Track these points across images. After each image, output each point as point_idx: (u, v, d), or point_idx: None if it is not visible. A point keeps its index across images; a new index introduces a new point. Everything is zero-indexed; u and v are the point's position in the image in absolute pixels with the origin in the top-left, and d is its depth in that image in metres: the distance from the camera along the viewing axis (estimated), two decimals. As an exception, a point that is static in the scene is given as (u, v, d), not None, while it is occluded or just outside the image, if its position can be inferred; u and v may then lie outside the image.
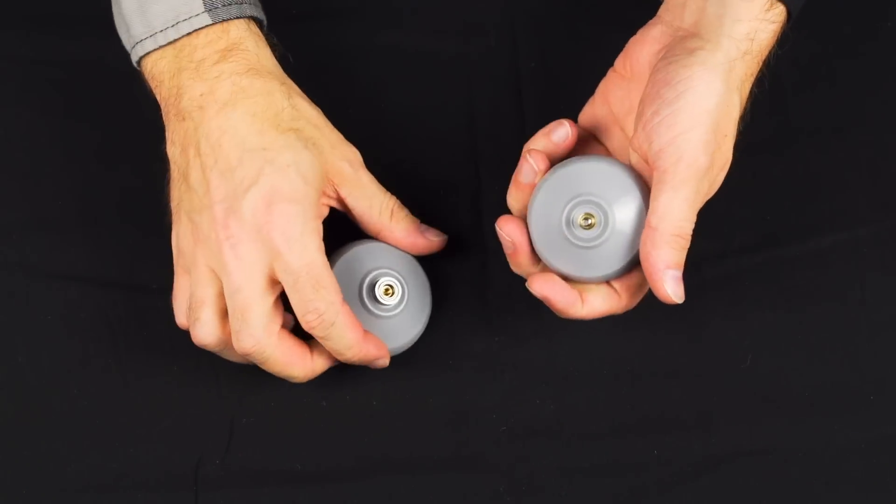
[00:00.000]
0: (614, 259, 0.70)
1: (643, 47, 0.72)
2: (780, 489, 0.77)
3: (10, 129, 0.84)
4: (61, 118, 0.84)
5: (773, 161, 0.83)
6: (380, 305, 0.76)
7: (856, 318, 0.80)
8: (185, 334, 0.80)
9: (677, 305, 0.80)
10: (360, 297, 0.76)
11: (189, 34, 0.71)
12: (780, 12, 0.69)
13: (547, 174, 0.71)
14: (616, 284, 0.71)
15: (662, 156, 0.67)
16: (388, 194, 0.76)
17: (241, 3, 0.72)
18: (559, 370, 0.79)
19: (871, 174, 0.83)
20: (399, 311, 0.77)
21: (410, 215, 0.77)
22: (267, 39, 0.74)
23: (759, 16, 0.68)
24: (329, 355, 0.74)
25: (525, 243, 0.72)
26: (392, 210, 0.76)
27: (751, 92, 0.71)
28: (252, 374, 0.79)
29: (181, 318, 0.74)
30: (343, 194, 0.74)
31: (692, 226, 0.68)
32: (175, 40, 0.72)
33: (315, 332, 0.71)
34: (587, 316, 0.71)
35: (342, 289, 0.76)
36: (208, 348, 0.72)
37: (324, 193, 0.73)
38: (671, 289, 0.68)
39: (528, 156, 0.71)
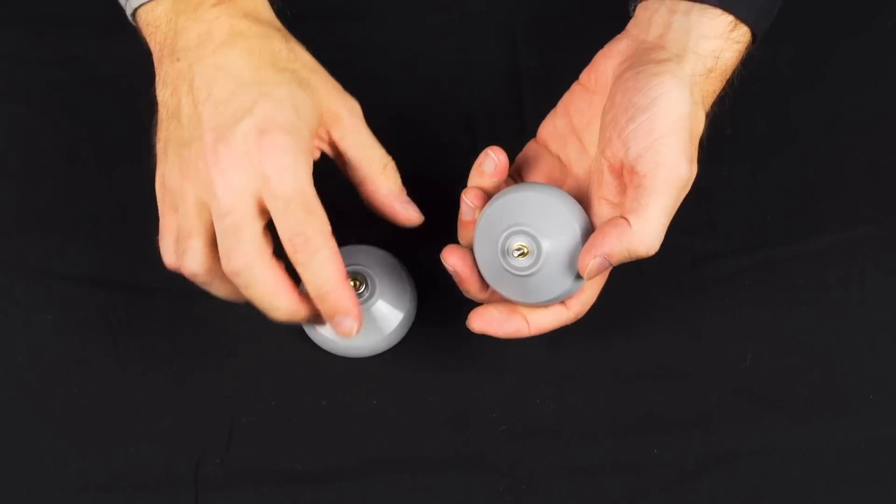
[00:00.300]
0: (554, 285, 0.70)
1: (608, 60, 0.72)
2: (780, 489, 0.77)
3: (10, 129, 0.84)
4: (61, 118, 0.84)
5: (773, 161, 0.83)
6: None
7: (856, 318, 0.80)
8: (185, 334, 0.80)
9: (677, 305, 0.81)
10: None
11: None
12: (744, 33, 0.69)
13: (486, 204, 0.71)
14: (568, 299, 0.72)
15: (641, 161, 0.67)
16: (385, 152, 0.74)
17: None
18: (559, 370, 0.80)
19: (871, 174, 0.83)
20: (371, 304, 0.79)
21: (400, 181, 0.75)
22: None
23: (724, 34, 0.69)
24: (312, 307, 0.72)
25: (469, 273, 0.73)
26: (385, 165, 0.74)
27: (711, 109, 0.71)
28: (252, 374, 0.79)
29: (169, 258, 0.72)
30: (336, 137, 0.72)
31: (660, 242, 0.68)
32: None
33: (297, 257, 0.68)
34: (536, 333, 0.72)
35: None
36: (197, 279, 0.71)
37: (316, 135, 0.71)
38: (591, 266, 0.68)
39: (464, 197, 0.72)
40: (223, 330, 0.80)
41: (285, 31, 0.73)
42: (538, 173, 0.75)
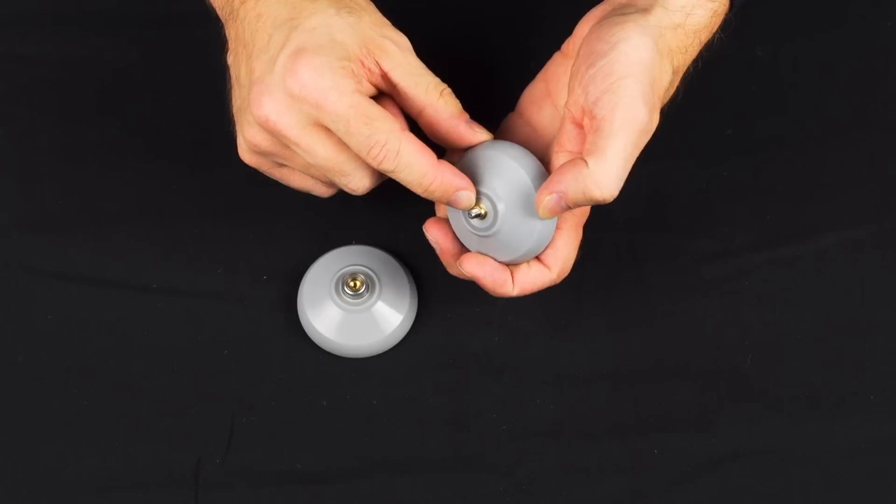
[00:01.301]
0: (522, 238, 0.69)
1: (585, 24, 0.72)
2: (780, 489, 0.77)
3: (10, 129, 0.84)
4: (61, 118, 0.84)
5: (773, 161, 0.83)
6: (350, 298, 0.79)
7: (856, 318, 0.80)
8: (185, 334, 0.80)
9: (677, 305, 0.80)
10: (333, 293, 0.79)
11: None
12: None
13: (464, 155, 0.71)
14: (545, 258, 0.71)
15: (599, 104, 0.66)
16: (439, 80, 0.70)
17: None
18: (559, 370, 0.79)
19: (871, 174, 0.83)
20: (372, 304, 0.79)
21: (460, 105, 0.71)
22: None
23: None
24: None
25: (449, 244, 0.72)
26: (441, 90, 0.70)
27: (686, 72, 0.71)
28: (252, 374, 0.79)
29: (361, 186, 0.70)
30: (386, 68, 0.69)
31: (619, 189, 0.66)
32: None
33: (385, 167, 0.67)
34: (520, 294, 0.71)
35: (316, 288, 0.79)
36: (374, 185, 0.70)
37: (362, 64, 0.68)
38: (546, 203, 0.67)
39: None
40: (223, 330, 0.80)
41: None
42: (517, 142, 0.74)
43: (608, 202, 0.66)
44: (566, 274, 0.72)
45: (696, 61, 0.71)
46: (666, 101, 0.70)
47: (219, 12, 0.72)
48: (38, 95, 0.84)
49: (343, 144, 0.67)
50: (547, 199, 0.67)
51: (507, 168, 0.69)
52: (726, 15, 0.70)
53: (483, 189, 0.69)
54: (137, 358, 0.79)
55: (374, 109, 0.66)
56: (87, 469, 0.77)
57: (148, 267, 0.81)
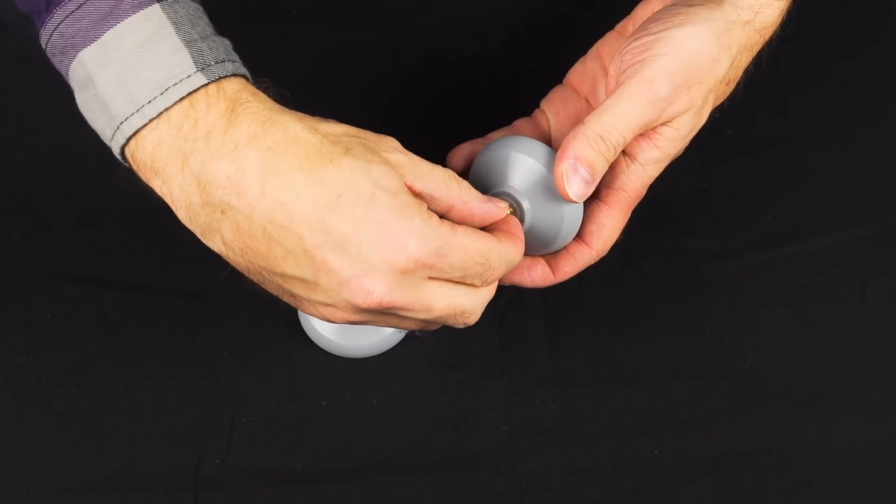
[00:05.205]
0: (553, 232, 0.69)
1: (647, 8, 0.72)
2: (780, 489, 0.77)
3: (10, 129, 0.84)
4: (61, 118, 0.84)
5: (773, 161, 0.83)
6: None
7: (856, 318, 0.80)
8: (185, 334, 0.80)
9: (677, 305, 0.80)
10: None
11: (183, 102, 0.60)
12: None
13: (474, 160, 0.70)
14: (587, 237, 0.70)
15: (627, 71, 0.67)
16: (439, 166, 0.65)
17: (234, 61, 0.61)
18: (559, 370, 0.80)
19: (871, 174, 0.83)
20: None
21: (473, 189, 0.65)
22: (258, 86, 0.62)
23: None
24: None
25: None
26: (452, 177, 0.64)
27: (747, 69, 0.71)
28: (252, 374, 0.79)
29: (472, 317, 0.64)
30: (409, 182, 0.62)
31: (621, 139, 0.66)
32: (167, 109, 0.60)
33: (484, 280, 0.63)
34: (563, 279, 0.70)
35: None
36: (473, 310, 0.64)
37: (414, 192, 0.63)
38: (573, 182, 0.65)
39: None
40: (223, 330, 0.80)
41: (298, 114, 0.62)
42: (566, 116, 0.74)
43: (615, 146, 0.65)
44: (605, 253, 0.70)
45: (757, 59, 0.71)
46: (725, 96, 0.70)
47: (157, 189, 0.63)
48: (38, 95, 0.84)
49: (456, 284, 0.63)
50: (572, 178, 0.65)
51: (520, 163, 0.68)
52: (788, 10, 0.70)
53: (503, 189, 0.69)
54: (137, 358, 0.79)
55: (479, 243, 0.62)
56: (87, 469, 0.77)
57: (148, 267, 0.81)
